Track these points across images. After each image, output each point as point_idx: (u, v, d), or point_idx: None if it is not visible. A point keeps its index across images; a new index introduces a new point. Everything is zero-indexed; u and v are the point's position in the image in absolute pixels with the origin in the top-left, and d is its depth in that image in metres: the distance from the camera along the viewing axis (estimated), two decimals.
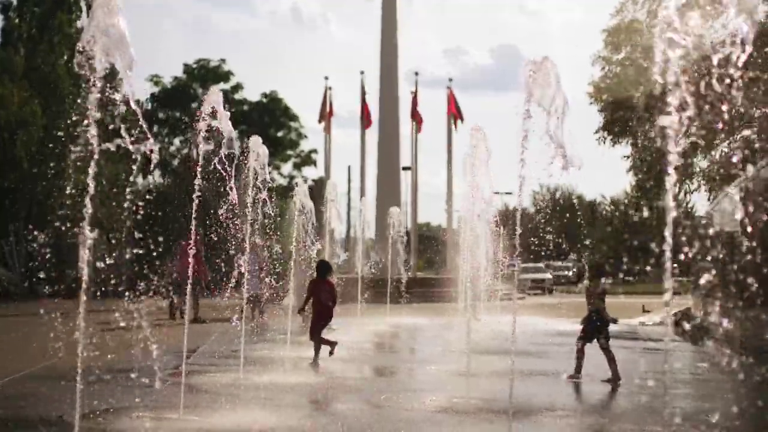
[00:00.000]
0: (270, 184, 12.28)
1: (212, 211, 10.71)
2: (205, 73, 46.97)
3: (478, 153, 10.55)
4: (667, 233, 3.49)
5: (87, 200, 5.84)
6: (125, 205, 6.75)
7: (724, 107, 3.35)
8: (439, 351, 15.59)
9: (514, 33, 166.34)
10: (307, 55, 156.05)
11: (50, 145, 28.46)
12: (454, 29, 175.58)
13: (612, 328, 11.44)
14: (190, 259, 10.08)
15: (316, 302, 12.74)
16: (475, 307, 20.72)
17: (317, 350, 12.60)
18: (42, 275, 28.41)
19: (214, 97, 8.91)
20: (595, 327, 11.28)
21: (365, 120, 41.45)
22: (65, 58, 32.58)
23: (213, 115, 8.72)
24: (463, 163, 11.45)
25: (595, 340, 11.28)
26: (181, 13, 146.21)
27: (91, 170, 5.85)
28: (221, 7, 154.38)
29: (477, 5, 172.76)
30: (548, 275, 46.36)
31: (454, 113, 41.28)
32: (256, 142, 11.76)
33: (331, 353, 12.66)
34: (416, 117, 41.17)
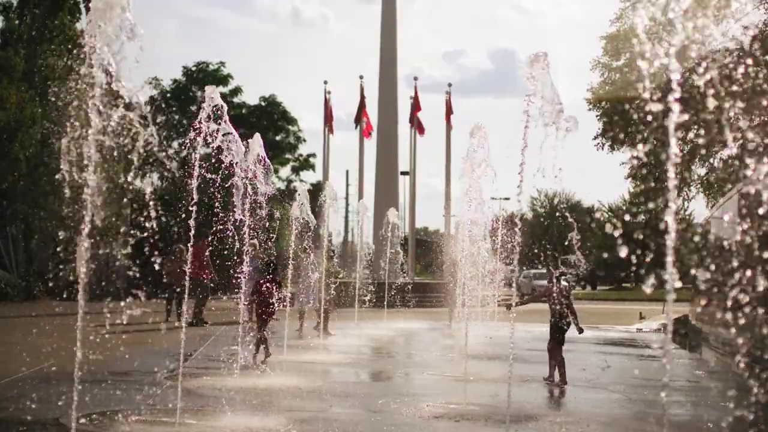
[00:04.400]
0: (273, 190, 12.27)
1: (213, 214, 10.69)
2: (204, 77, 46.92)
3: (475, 157, 10.57)
4: (668, 240, 3.49)
5: (87, 197, 5.82)
6: (123, 205, 6.73)
7: (724, 114, 3.36)
8: (435, 356, 15.59)
9: (513, 36, 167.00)
10: (307, 56, 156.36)
11: (49, 146, 28.46)
12: (453, 33, 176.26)
13: (610, 335, 11.45)
14: (188, 263, 10.06)
15: (260, 301, 12.90)
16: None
17: (258, 345, 12.72)
18: (40, 277, 28.39)
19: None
20: (562, 331, 11.30)
21: (362, 125, 41.44)
22: (65, 60, 32.54)
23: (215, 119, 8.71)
24: (461, 169, 11.47)
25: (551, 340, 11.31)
26: (179, 13, 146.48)
27: (90, 170, 5.83)
28: (221, 7, 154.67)
29: (476, 8, 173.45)
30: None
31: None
32: (256, 141, 11.72)
33: (263, 361, 12.64)
34: (415, 122, 41.18)
